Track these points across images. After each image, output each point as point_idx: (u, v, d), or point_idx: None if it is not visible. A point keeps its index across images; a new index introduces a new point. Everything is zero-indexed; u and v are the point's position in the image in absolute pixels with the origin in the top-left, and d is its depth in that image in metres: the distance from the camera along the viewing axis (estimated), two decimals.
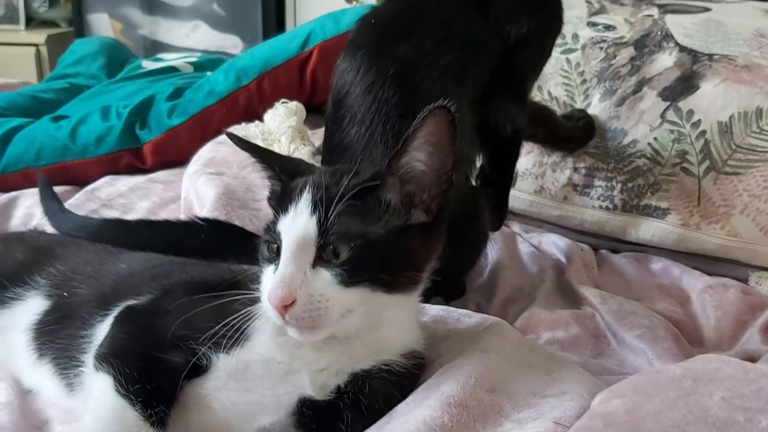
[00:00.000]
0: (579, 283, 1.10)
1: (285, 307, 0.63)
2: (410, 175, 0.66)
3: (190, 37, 2.75)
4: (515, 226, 1.31)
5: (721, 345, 1.02)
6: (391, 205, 0.66)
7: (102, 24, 2.78)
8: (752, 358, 0.95)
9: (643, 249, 1.23)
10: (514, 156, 1.09)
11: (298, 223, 0.65)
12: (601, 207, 1.21)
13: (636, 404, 0.50)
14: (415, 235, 0.67)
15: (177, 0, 2.73)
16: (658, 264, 1.20)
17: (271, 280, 0.65)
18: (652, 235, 1.18)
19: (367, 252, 0.64)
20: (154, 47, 2.76)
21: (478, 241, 1.03)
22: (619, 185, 1.20)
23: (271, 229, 0.68)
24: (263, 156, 0.74)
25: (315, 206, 0.65)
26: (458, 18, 0.98)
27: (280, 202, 0.69)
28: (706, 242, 1.15)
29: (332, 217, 0.64)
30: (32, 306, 0.83)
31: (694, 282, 1.13)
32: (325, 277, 0.64)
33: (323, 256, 0.64)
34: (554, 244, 1.22)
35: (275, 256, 0.66)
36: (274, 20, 2.66)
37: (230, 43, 2.74)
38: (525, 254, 1.20)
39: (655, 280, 1.17)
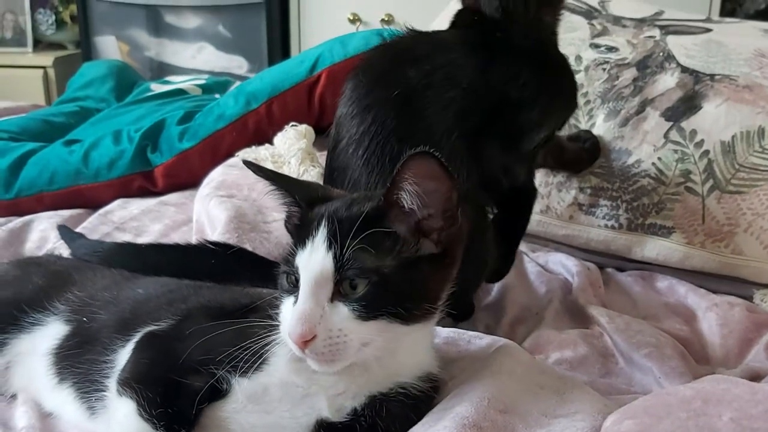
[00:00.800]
0: (586, 303, 1.11)
1: (305, 342, 0.65)
2: (408, 209, 0.68)
3: (196, 58, 2.78)
4: (522, 245, 1.32)
5: (728, 363, 1.04)
6: (399, 236, 0.68)
7: (109, 46, 2.81)
8: (759, 376, 0.97)
9: (649, 267, 1.24)
10: (522, 211, 1.11)
11: (316, 259, 0.67)
12: (606, 226, 1.23)
13: (647, 425, 0.51)
14: (426, 267, 0.68)
15: (183, 22, 2.76)
16: (663, 282, 1.21)
17: (290, 314, 0.67)
18: (657, 253, 1.20)
19: (382, 286, 0.66)
20: (161, 69, 2.79)
21: (483, 261, 1.05)
22: (624, 204, 1.22)
23: (290, 261, 0.69)
24: (281, 183, 0.76)
25: (330, 242, 0.66)
26: (465, 63, 1.00)
27: (299, 233, 0.71)
28: (711, 260, 1.16)
29: (347, 252, 0.65)
30: (52, 331, 0.85)
31: (699, 300, 1.15)
32: (343, 312, 0.66)
33: (341, 290, 0.66)
34: (561, 263, 1.24)
35: (294, 287, 0.68)
36: (279, 41, 2.69)
37: (235, 64, 2.77)
38: (532, 274, 1.22)
39: (661, 299, 1.18)
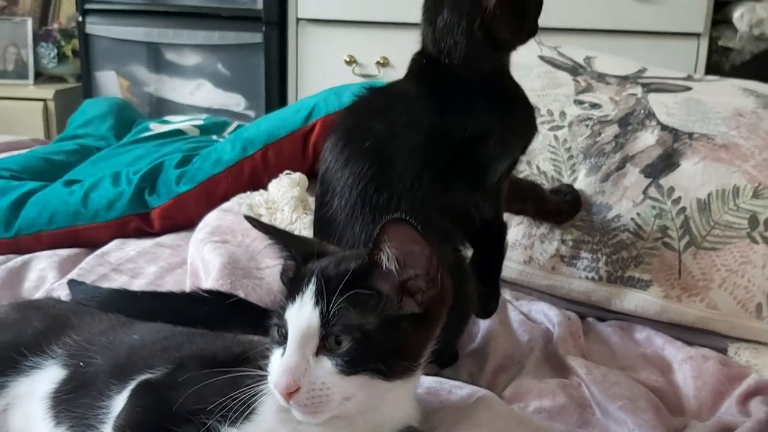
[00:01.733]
0: (566, 353, 1.15)
1: (290, 393, 0.68)
2: (389, 270, 0.72)
3: (194, 95, 2.84)
4: (506, 294, 1.37)
5: (701, 415, 1.08)
6: (383, 295, 0.72)
7: (109, 81, 2.87)
8: (730, 429, 1.01)
9: (628, 318, 1.28)
10: (495, 248, 1.14)
11: (303, 315, 0.71)
12: (587, 278, 1.28)
13: None
14: (408, 326, 0.73)
15: (183, 59, 2.82)
16: (641, 333, 1.26)
17: (277, 366, 0.71)
18: (636, 305, 1.24)
19: (365, 343, 0.70)
20: (160, 104, 2.85)
21: (465, 309, 1.09)
22: (604, 257, 1.26)
23: (280, 315, 0.74)
24: (279, 238, 0.80)
25: (318, 299, 0.71)
26: (422, 106, 1.06)
27: (291, 286, 0.75)
28: (687, 314, 1.21)
29: (333, 309, 0.70)
30: (50, 375, 0.88)
31: (675, 352, 1.19)
32: (327, 366, 0.70)
33: (326, 345, 0.70)
34: (543, 312, 1.28)
35: (283, 340, 0.72)
36: (277, 80, 2.75)
37: (233, 102, 2.83)
38: (515, 322, 1.26)
39: (638, 350, 1.22)
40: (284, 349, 0.72)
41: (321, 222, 1.08)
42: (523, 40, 1.12)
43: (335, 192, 1.04)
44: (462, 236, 1.11)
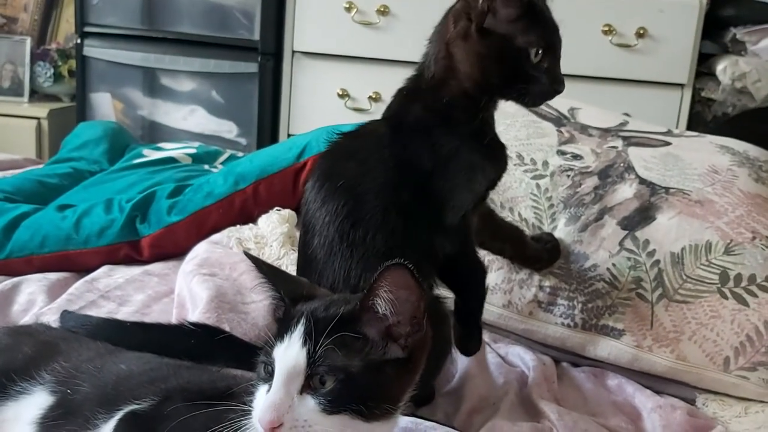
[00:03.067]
0: (539, 397, 1.19)
1: (273, 429, 0.72)
2: (381, 314, 0.76)
3: (187, 120, 2.88)
4: (485, 336, 1.40)
5: None
6: (369, 339, 0.76)
7: (104, 103, 2.90)
8: None
9: (601, 365, 1.32)
10: (467, 285, 1.16)
11: (291, 354, 0.74)
12: (563, 324, 1.32)
13: None
14: (391, 370, 0.76)
15: (177, 85, 2.86)
16: (614, 381, 1.29)
17: (262, 402, 0.74)
18: (609, 353, 1.28)
19: (347, 384, 0.73)
20: (153, 128, 2.89)
21: (442, 349, 1.12)
22: (580, 305, 1.31)
23: (268, 352, 0.77)
24: (271, 278, 0.84)
25: (305, 339, 0.74)
26: (389, 142, 1.10)
27: (280, 326, 0.79)
28: (657, 364, 1.25)
29: (320, 350, 0.73)
30: (38, 400, 0.90)
31: (645, 400, 1.23)
32: (310, 404, 0.73)
33: (311, 384, 0.74)
34: (519, 356, 1.32)
35: (269, 377, 0.76)
36: (270, 109, 2.80)
37: (225, 128, 2.87)
38: (492, 364, 1.29)
39: (610, 397, 1.26)
40: (269, 385, 0.75)
41: (303, 260, 1.12)
42: (483, 87, 1.09)
43: (315, 230, 1.08)
44: (431, 273, 1.13)
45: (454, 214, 1.09)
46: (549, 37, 1.10)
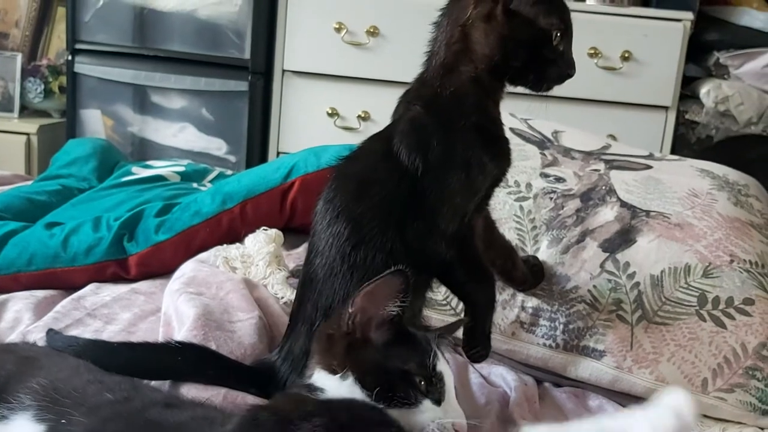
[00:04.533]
0: (521, 417, 1.20)
1: None
2: None
3: (177, 137, 2.90)
4: None
5: None
6: None
7: (94, 119, 2.91)
8: None
9: (582, 385, 1.34)
10: (471, 289, 1.15)
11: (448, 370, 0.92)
12: (545, 345, 1.33)
13: None
14: None
15: (168, 102, 2.88)
16: (595, 401, 1.31)
17: (457, 409, 0.91)
18: (590, 374, 1.30)
19: None
20: (142, 144, 2.90)
21: None
22: (561, 326, 1.32)
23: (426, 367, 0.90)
24: None
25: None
26: (385, 156, 1.11)
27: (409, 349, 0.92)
28: (637, 385, 1.27)
29: None
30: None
31: None
32: None
33: None
34: (502, 376, 1.33)
35: (435, 391, 0.89)
36: (259, 128, 2.82)
37: (215, 146, 2.89)
38: (475, 384, 1.31)
39: (590, 417, 1.28)
40: (433, 398, 0.88)
41: (304, 278, 1.14)
42: (501, 69, 1.08)
43: (318, 251, 1.10)
44: (428, 286, 1.15)
45: (453, 219, 1.09)
46: (567, 19, 1.11)
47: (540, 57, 1.09)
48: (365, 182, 1.10)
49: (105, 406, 0.86)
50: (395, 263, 1.04)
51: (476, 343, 1.17)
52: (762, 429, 1.22)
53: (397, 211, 1.07)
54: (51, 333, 1.14)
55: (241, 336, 1.22)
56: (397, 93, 1.19)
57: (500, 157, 1.15)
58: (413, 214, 1.07)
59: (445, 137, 1.08)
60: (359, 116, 2.71)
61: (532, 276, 1.36)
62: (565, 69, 1.11)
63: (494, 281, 1.19)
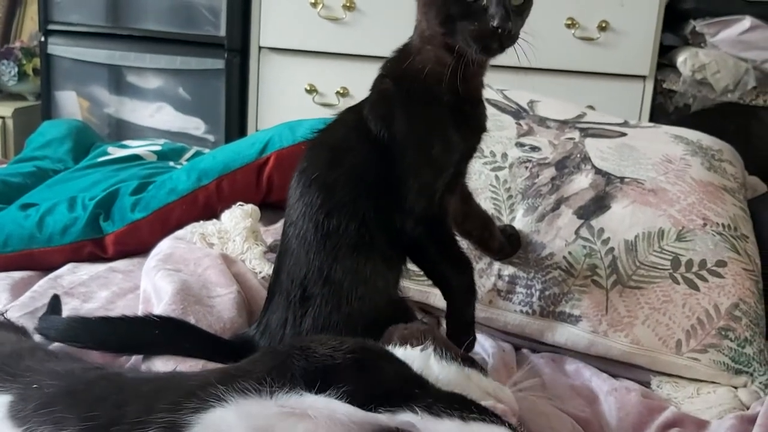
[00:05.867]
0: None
1: None
2: None
3: (154, 117, 2.87)
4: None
5: None
6: None
7: (69, 101, 2.89)
8: None
9: (559, 350, 1.36)
10: (446, 275, 1.15)
11: None
12: (521, 312, 1.35)
13: None
14: None
15: (144, 82, 2.86)
16: (571, 366, 1.33)
17: None
18: (566, 339, 1.32)
19: None
20: (119, 125, 2.88)
21: None
22: (538, 293, 1.34)
23: None
24: None
25: None
26: (357, 126, 1.12)
27: None
28: (613, 348, 1.28)
29: None
30: None
31: (602, 384, 1.26)
32: None
33: None
34: (480, 343, 1.34)
35: None
36: (237, 105, 2.80)
37: (193, 125, 2.87)
38: None
39: (568, 381, 1.29)
40: None
41: (280, 250, 1.15)
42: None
43: (291, 222, 1.11)
44: (403, 262, 1.15)
45: (420, 196, 1.08)
46: None
47: (458, 15, 1.02)
48: (337, 151, 1.10)
49: (68, 373, 0.85)
50: (368, 232, 1.05)
51: (459, 332, 1.16)
52: (735, 388, 1.24)
53: (369, 180, 1.07)
54: (43, 318, 1.14)
55: (220, 311, 1.22)
56: (376, 68, 1.18)
57: (468, 133, 1.14)
58: (383, 185, 1.08)
59: (410, 112, 1.08)
60: (338, 92, 2.70)
61: (509, 245, 1.37)
62: (489, 23, 1.01)
63: (471, 267, 1.17)
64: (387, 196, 1.08)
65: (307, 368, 0.76)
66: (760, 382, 1.22)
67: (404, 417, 0.73)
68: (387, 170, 1.07)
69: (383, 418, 0.73)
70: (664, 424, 1.15)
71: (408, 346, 0.87)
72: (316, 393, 0.74)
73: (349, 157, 1.09)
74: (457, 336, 1.15)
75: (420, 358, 0.85)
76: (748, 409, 1.19)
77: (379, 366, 0.79)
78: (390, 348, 0.87)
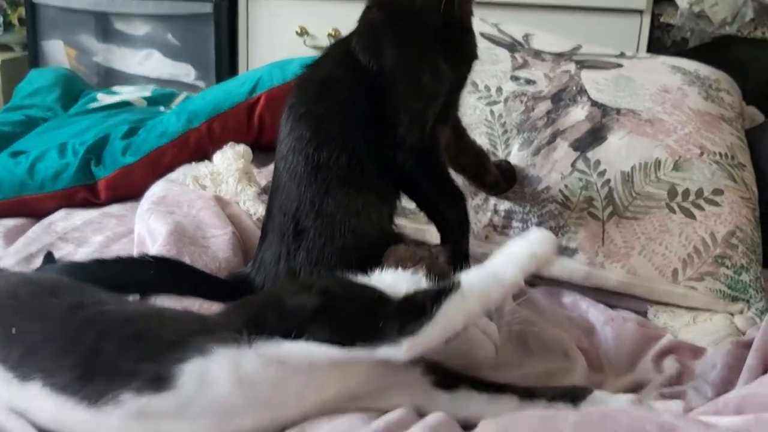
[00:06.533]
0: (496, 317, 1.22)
1: None
2: None
3: (143, 65, 2.82)
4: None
5: (620, 371, 1.15)
6: None
7: (56, 50, 2.83)
8: (642, 385, 1.09)
9: (557, 283, 1.36)
10: (439, 208, 1.14)
11: None
12: None
13: (505, 428, 0.62)
14: None
15: (132, 29, 2.80)
16: (568, 298, 1.33)
17: None
18: (563, 271, 1.31)
19: None
20: (108, 74, 2.83)
21: None
22: (534, 226, 1.33)
23: None
24: None
25: None
26: (345, 60, 1.10)
27: None
28: (609, 279, 1.28)
29: None
30: None
31: (598, 315, 1.26)
32: None
33: None
34: None
35: None
36: (227, 50, 2.75)
37: (183, 72, 2.82)
38: None
39: (565, 313, 1.30)
40: None
41: (273, 185, 1.14)
42: None
43: (282, 156, 1.10)
44: (396, 195, 1.14)
45: (411, 127, 1.07)
46: None
47: None
48: (326, 83, 1.08)
49: (53, 310, 0.84)
50: (359, 164, 1.03)
51: (455, 265, 1.16)
52: (732, 315, 1.25)
53: (358, 112, 1.06)
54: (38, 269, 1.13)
55: (215, 251, 1.22)
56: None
57: (458, 61, 1.12)
58: (372, 117, 1.06)
59: (398, 41, 1.07)
60: (329, 34, 2.64)
61: (504, 180, 1.36)
62: None
63: (464, 200, 1.17)
64: (377, 128, 1.06)
65: (281, 319, 0.78)
66: (757, 309, 1.23)
67: (384, 351, 0.75)
68: (376, 102, 1.06)
69: (362, 353, 0.74)
70: (660, 351, 1.16)
71: (400, 268, 0.87)
72: (292, 341, 0.76)
73: (338, 89, 1.07)
74: (452, 270, 1.15)
75: (409, 282, 0.85)
76: (744, 335, 1.20)
77: (347, 306, 0.80)
78: (385, 270, 0.88)
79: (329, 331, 0.76)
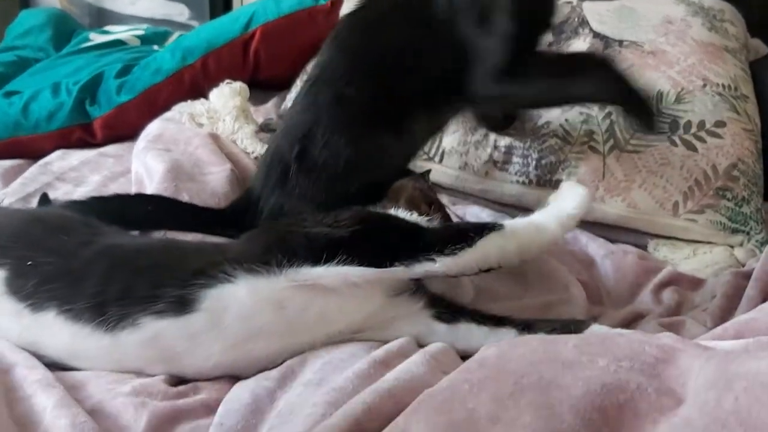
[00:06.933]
0: None
1: None
2: None
3: (135, 4, 2.76)
4: (443, 198, 1.42)
5: (619, 303, 1.16)
6: None
7: None
8: (641, 316, 1.09)
9: None
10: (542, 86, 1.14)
11: None
12: (518, 182, 1.34)
13: (505, 351, 0.62)
14: None
15: None
16: (569, 234, 1.32)
17: None
18: None
19: None
20: (100, 15, 2.77)
21: None
22: (534, 162, 1.32)
23: None
24: None
25: None
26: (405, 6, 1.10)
27: None
28: (609, 213, 1.28)
29: None
30: None
31: (598, 249, 1.26)
32: None
33: None
34: (477, 215, 1.34)
35: None
36: None
37: (176, 11, 2.76)
38: None
39: (565, 247, 1.29)
40: None
41: (286, 114, 1.19)
42: None
43: (312, 82, 1.11)
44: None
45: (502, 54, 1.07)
46: None
47: None
48: (378, 23, 1.09)
49: (66, 245, 0.84)
50: (391, 106, 1.06)
51: (634, 111, 1.15)
52: (731, 247, 1.25)
53: (415, 55, 1.07)
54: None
55: (213, 187, 1.21)
56: None
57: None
58: (431, 61, 1.07)
59: None
60: None
61: (506, 119, 1.34)
62: None
63: (606, 61, 1.14)
64: (433, 72, 1.07)
65: (309, 246, 0.79)
66: (757, 240, 1.23)
67: (420, 267, 0.79)
68: (440, 45, 1.06)
69: (399, 271, 0.75)
70: (660, 283, 1.16)
71: (415, 212, 0.88)
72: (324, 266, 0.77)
73: (390, 31, 1.07)
74: (635, 114, 1.15)
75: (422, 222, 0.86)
76: (743, 267, 1.20)
77: (385, 231, 0.83)
78: (394, 210, 0.88)
79: (370, 253, 0.78)
